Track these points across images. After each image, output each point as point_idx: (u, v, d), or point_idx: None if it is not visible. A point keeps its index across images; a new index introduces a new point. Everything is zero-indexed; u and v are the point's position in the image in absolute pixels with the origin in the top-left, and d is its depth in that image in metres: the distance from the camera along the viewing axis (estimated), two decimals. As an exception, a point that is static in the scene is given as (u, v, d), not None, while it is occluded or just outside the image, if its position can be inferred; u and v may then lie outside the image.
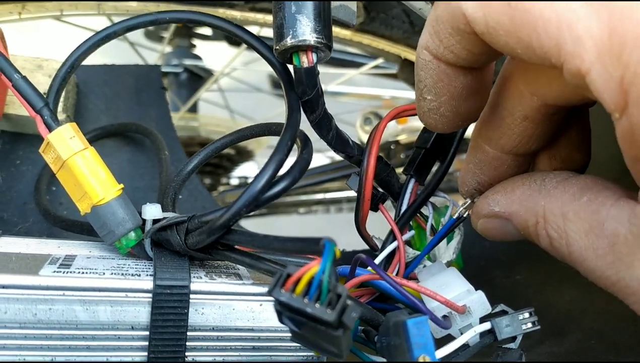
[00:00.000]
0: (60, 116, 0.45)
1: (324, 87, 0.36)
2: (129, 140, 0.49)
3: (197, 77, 1.03)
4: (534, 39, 0.22)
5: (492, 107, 0.30)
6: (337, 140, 0.38)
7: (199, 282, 0.31)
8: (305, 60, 0.33)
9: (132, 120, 0.49)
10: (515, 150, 0.30)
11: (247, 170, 1.01)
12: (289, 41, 0.32)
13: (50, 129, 0.31)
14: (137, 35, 1.02)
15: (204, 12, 0.37)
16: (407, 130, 0.73)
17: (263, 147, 0.97)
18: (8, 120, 0.44)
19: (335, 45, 0.62)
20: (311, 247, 0.27)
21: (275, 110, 1.08)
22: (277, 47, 0.33)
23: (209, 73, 1.04)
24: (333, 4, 0.38)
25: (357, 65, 0.93)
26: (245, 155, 0.93)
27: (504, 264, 0.51)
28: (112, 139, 0.49)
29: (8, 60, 0.32)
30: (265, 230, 0.31)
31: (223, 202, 0.91)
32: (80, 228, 0.37)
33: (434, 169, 0.44)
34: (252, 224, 0.99)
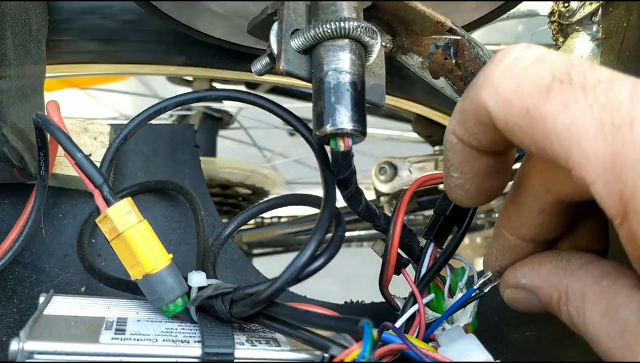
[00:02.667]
0: (104, 175, 0.48)
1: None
2: (164, 196, 0.52)
3: (217, 120, 1.06)
4: (547, 144, 0.25)
5: (512, 199, 0.33)
6: (366, 212, 0.41)
7: (242, 349, 0.33)
8: (342, 145, 0.37)
9: (167, 177, 0.52)
10: (535, 239, 0.33)
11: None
12: (329, 129, 0.35)
13: (108, 204, 0.34)
14: (160, 79, 1.06)
15: (248, 92, 0.41)
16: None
17: (278, 187, 1.00)
18: (54, 177, 0.47)
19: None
20: (350, 327, 0.30)
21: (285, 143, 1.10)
22: (317, 133, 0.36)
23: (228, 115, 1.07)
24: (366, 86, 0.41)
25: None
26: (261, 195, 0.96)
27: (516, 321, 0.53)
28: (148, 194, 0.52)
29: (71, 140, 0.35)
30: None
31: (240, 242, 0.94)
32: (125, 286, 0.40)
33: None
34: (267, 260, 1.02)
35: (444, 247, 0.47)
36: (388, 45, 0.43)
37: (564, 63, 0.25)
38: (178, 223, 0.52)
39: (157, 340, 0.32)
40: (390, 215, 0.44)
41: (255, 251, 1.01)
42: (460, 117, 0.29)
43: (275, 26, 0.38)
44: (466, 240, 1.12)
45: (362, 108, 0.37)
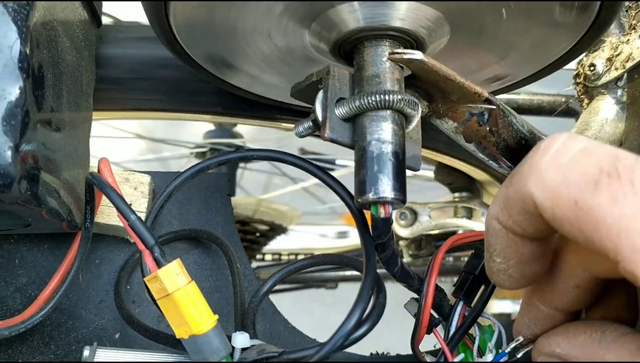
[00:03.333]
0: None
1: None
2: (197, 243, 0.53)
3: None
4: (595, 237, 0.26)
5: (547, 272, 0.34)
6: (401, 273, 0.42)
7: (283, 411, 0.34)
8: (383, 212, 0.38)
9: (200, 224, 0.54)
10: (568, 310, 0.34)
11: (280, 244, 1.05)
12: (371, 197, 0.37)
13: (159, 265, 0.35)
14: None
15: (289, 153, 0.42)
16: (439, 226, 0.77)
17: (295, 223, 1.01)
18: (95, 226, 0.48)
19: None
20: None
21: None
22: (360, 200, 0.37)
23: (238, 146, 1.09)
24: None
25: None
26: (278, 231, 0.97)
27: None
28: (182, 242, 0.53)
29: (124, 201, 0.36)
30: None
31: (258, 278, 0.95)
32: (165, 340, 0.41)
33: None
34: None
35: (472, 305, 0.48)
36: (424, 110, 0.45)
37: (609, 156, 0.27)
38: (210, 271, 0.53)
39: (203, 402, 0.33)
40: (423, 275, 0.45)
41: (280, 288, 1.02)
42: (504, 204, 0.30)
43: (320, 94, 0.40)
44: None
45: (403, 176, 0.38)
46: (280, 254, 0.95)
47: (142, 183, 0.49)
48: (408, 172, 0.42)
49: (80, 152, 0.44)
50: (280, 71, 0.50)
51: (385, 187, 0.37)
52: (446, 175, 0.74)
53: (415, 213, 0.76)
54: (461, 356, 0.46)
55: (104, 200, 0.44)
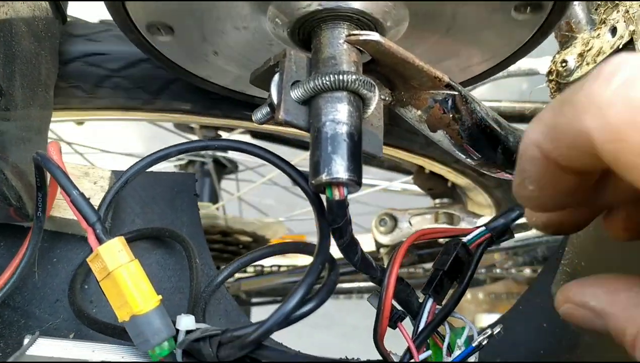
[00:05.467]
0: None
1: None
2: (160, 243, 0.52)
3: (222, 166, 1.08)
4: None
5: None
6: (362, 263, 0.41)
7: (227, 397, 0.32)
8: (337, 194, 0.37)
9: (164, 225, 0.52)
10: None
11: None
12: (324, 178, 0.36)
13: (100, 242, 0.34)
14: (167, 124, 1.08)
15: (248, 143, 0.41)
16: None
17: (278, 236, 0.99)
18: (51, 221, 0.47)
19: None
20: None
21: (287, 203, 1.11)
22: (313, 181, 0.36)
23: (233, 163, 1.09)
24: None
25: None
26: (261, 243, 0.95)
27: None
28: (145, 241, 0.51)
29: (69, 178, 0.35)
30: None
31: (239, 290, 0.93)
32: (113, 331, 0.39)
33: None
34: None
35: (443, 303, 0.46)
36: (387, 98, 0.44)
37: None
38: (173, 272, 0.51)
39: (139, 385, 0.31)
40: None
41: (255, 300, 0.99)
42: (549, 132, 0.25)
43: (276, 77, 0.39)
44: (468, 295, 1.09)
45: (358, 158, 0.37)
46: (262, 266, 0.93)
47: (102, 178, 0.48)
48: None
49: (34, 142, 0.44)
50: (247, 66, 0.49)
51: (339, 168, 0.36)
52: (425, 180, 0.72)
53: (395, 220, 0.75)
54: (428, 353, 0.44)
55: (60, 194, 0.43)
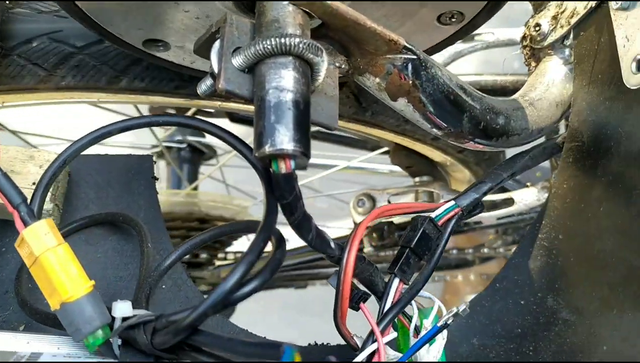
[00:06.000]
0: (48, 205, 0.45)
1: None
2: (116, 229, 0.49)
3: (199, 153, 1.05)
4: None
5: None
6: (317, 240, 0.38)
7: (162, 386, 0.30)
8: (284, 167, 0.34)
9: (121, 209, 0.50)
10: None
11: (245, 245, 1.01)
12: (267, 149, 0.33)
13: (25, 225, 0.32)
14: (143, 110, 1.05)
15: (193, 117, 0.39)
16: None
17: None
18: (-2, 208, 0.45)
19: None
20: (272, 353, 0.26)
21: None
22: (257, 154, 0.34)
23: (211, 149, 1.06)
24: (313, 108, 0.39)
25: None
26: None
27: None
28: (100, 227, 0.49)
29: (-9, 156, 0.33)
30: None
31: (218, 277, 0.90)
32: (54, 322, 0.36)
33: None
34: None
35: (410, 282, 0.44)
36: (343, 66, 0.41)
37: None
38: (130, 258, 0.49)
39: (65, 377, 0.29)
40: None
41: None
42: None
43: (216, 44, 0.36)
44: (459, 276, 1.07)
45: (304, 128, 0.35)
46: (242, 253, 0.91)
47: (48, 161, 0.45)
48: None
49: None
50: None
51: (283, 138, 0.34)
52: (403, 157, 0.70)
53: (373, 200, 0.72)
54: (393, 335, 0.41)
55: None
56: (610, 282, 0.44)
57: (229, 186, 1.13)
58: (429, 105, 0.42)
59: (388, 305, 0.42)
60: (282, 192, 0.35)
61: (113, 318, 0.33)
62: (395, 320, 0.44)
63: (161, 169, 1.08)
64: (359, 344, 0.42)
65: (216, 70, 0.36)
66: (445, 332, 0.42)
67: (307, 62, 0.36)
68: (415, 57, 0.40)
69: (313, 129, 0.37)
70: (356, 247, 0.40)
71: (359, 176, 1.10)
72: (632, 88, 0.42)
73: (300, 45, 0.35)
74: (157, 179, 0.52)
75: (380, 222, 0.77)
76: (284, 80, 0.35)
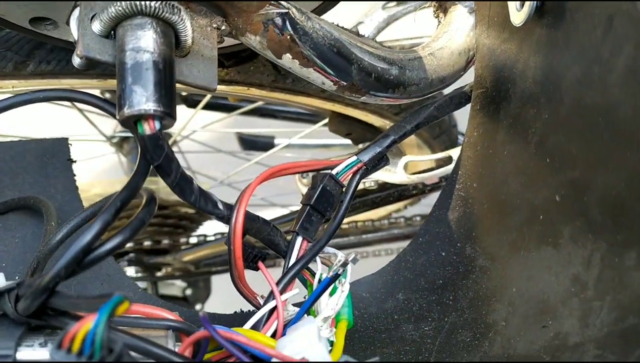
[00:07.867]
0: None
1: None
2: (34, 213, 0.50)
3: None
4: None
5: None
6: (202, 201, 0.38)
7: (27, 350, 0.31)
8: (147, 128, 0.34)
9: (37, 193, 0.50)
10: None
11: (211, 228, 1.01)
12: (127, 111, 0.33)
13: None
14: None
15: (73, 90, 0.39)
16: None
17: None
18: None
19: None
20: (98, 304, 0.27)
21: (236, 169, 1.07)
22: (118, 117, 0.34)
23: (167, 135, 1.06)
24: (188, 70, 0.39)
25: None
26: (207, 215, 0.93)
27: (416, 316, 0.49)
28: (16, 213, 0.49)
29: None
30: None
31: (182, 262, 0.91)
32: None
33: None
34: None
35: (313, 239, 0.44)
36: (223, 27, 0.41)
37: None
38: (48, 240, 0.49)
39: None
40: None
41: (216, 269, 0.97)
42: None
43: (76, 11, 0.37)
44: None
45: (165, 88, 0.35)
46: (205, 236, 0.91)
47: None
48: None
49: None
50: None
51: (140, 99, 0.34)
52: (340, 125, 0.69)
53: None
54: (294, 292, 0.41)
55: None
56: (517, 224, 0.44)
57: (195, 172, 1.14)
58: (314, 58, 0.42)
59: (291, 263, 0.43)
60: (151, 154, 0.35)
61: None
62: (305, 277, 0.44)
63: (123, 160, 1.08)
64: (261, 302, 0.42)
65: (75, 38, 0.36)
66: (347, 284, 0.42)
67: (167, 22, 0.36)
68: (286, 10, 0.40)
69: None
70: (244, 206, 0.40)
71: (307, 151, 1.09)
72: (518, 26, 0.41)
73: (153, 5, 0.35)
74: (75, 162, 0.53)
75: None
76: (141, 41, 0.35)
